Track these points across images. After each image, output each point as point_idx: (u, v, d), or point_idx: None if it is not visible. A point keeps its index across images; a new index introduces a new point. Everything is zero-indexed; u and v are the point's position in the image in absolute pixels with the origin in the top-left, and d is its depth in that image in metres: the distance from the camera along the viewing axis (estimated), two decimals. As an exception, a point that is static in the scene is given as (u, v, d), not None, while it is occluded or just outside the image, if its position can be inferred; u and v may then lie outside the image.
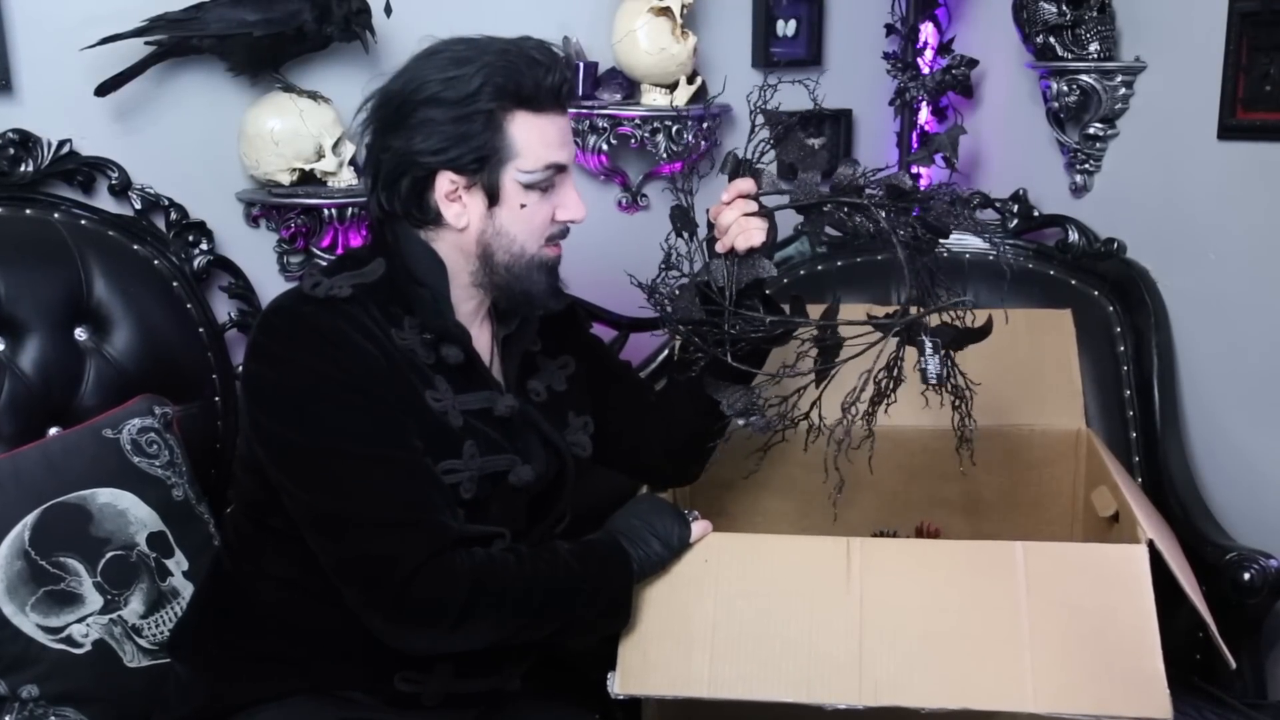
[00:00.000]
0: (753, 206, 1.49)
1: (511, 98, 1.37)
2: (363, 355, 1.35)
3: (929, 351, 1.53)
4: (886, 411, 1.50)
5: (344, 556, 1.34)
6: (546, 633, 1.41)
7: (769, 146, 1.53)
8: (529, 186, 1.40)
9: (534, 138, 1.39)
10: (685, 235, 1.54)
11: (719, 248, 1.50)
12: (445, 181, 1.39)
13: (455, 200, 1.41)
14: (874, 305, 1.76)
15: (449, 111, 1.36)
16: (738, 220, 1.47)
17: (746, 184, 1.50)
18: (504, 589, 1.36)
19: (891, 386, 1.48)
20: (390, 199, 1.42)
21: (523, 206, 1.41)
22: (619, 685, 1.41)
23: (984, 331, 1.47)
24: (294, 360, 1.35)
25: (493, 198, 1.40)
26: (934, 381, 1.46)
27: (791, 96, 2.48)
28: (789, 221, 1.57)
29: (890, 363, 1.47)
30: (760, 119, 1.52)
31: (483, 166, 1.38)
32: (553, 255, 1.46)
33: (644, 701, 1.52)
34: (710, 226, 1.52)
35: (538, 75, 1.38)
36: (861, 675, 1.37)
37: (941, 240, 1.49)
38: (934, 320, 1.47)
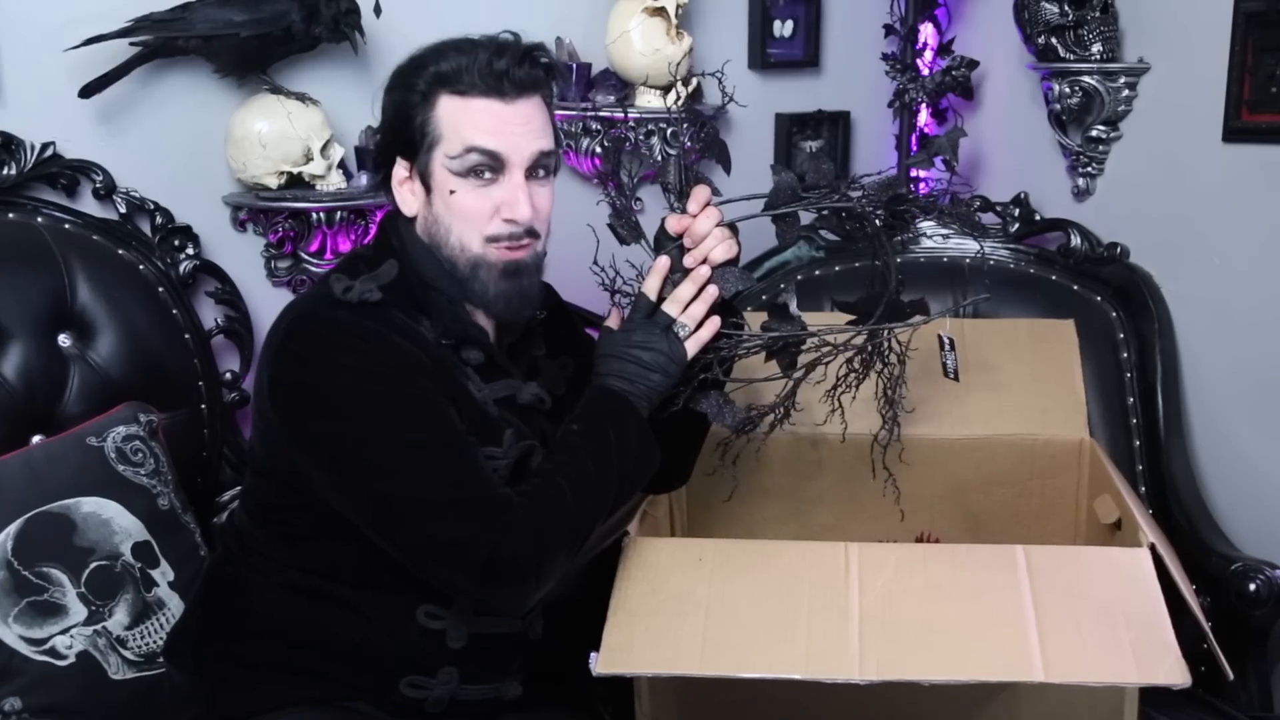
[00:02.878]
0: (720, 215, 1.46)
1: (438, 80, 1.39)
2: (403, 352, 1.36)
3: (946, 348, 1.57)
4: (856, 391, 1.54)
5: (415, 543, 1.34)
6: (608, 512, 1.42)
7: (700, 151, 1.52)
8: (456, 173, 1.39)
9: (458, 121, 1.38)
10: (630, 243, 1.50)
11: (689, 261, 1.44)
12: (400, 168, 1.44)
13: (405, 186, 1.44)
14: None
15: (392, 96, 1.42)
16: (713, 231, 1.44)
17: (707, 191, 1.47)
18: (559, 515, 1.36)
19: (863, 372, 1.53)
20: (387, 191, 1.47)
21: (452, 193, 1.40)
22: (601, 665, 1.35)
23: (917, 307, 1.53)
24: (337, 363, 1.35)
25: (426, 184, 1.42)
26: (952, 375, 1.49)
27: (792, 97, 2.50)
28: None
29: (862, 351, 1.51)
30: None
31: (417, 151, 1.40)
32: (499, 259, 1.41)
33: (636, 704, 1.49)
34: (660, 244, 1.47)
35: (466, 59, 1.37)
36: (862, 654, 1.32)
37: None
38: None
